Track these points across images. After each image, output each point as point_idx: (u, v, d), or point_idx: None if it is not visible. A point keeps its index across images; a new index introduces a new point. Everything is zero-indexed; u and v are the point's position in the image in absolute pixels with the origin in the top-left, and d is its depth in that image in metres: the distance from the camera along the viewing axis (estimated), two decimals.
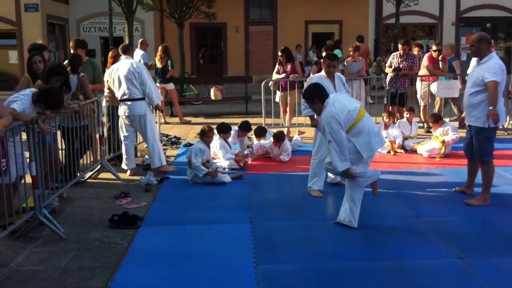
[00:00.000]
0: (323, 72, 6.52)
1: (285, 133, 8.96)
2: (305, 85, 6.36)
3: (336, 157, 5.04)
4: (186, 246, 4.88)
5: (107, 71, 7.51)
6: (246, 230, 5.23)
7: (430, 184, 6.86)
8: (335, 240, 5.00)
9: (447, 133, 8.34)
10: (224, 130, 8.01)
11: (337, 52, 14.62)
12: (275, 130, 8.96)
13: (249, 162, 8.00)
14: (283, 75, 10.08)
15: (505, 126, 10.35)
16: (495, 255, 4.60)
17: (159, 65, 11.94)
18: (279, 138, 8.18)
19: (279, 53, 10.27)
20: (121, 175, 7.28)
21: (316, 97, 5.31)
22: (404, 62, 10.39)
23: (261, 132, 8.69)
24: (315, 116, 6.24)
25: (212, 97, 13.82)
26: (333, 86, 6.36)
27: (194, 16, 18.34)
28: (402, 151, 8.77)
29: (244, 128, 8.38)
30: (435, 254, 4.66)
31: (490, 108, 5.62)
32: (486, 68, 5.73)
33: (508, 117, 10.37)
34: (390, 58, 10.79)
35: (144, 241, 5.02)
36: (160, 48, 12.18)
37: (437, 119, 8.70)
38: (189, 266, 4.44)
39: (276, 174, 7.53)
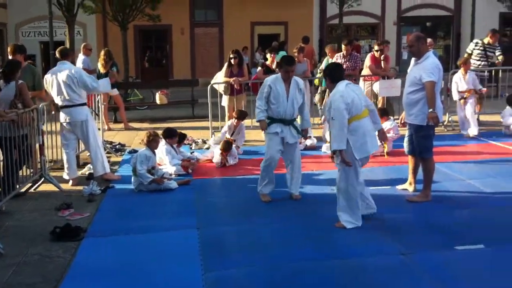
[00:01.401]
0: (279, 75, 6.26)
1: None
2: (260, 87, 6.30)
3: (334, 137, 5.12)
4: (131, 256, 4.78)
5: (45, 77, 7.27)
6: (193, 237, 5.18)
7: (372, 182, 6.92)
8: (283, 243, 5.02)
9: (389, 131, 8.38)
10: (170, 135, 7.90)
11: (282, 53, 14.71)
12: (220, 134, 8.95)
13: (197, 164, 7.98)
14: (233, 79, 9.90)
15: (444, 123, 10.69)
16: (437, 250, 4.73)
17: (102, 70, 11.61)
18: (226, 148, 8.09)
19: (231, 55, 10.01)
20: (63, 186, 7.06)
21: (329, 76, 5.44)
22: (347, 63, 10.57)
23: (242, 115, 9.12)
24: (267, 120, 6.22)
25: (158, 101, 13.61)
26: (285, 90, 6.11)
27: (138, 19, 18.05)
28: None
29: (181, 138, 8.31)
30: (379, 250, 4.76)
31: (430, 110, 5.78)
32: (422, 68, 5.88)
33: (447, 114, 10.72)
34: (334, 59, 10.95)
35: (88, 253, 4.88)
36: (102, 52, 11.81)
37: (382, 114, 8.34)
38: (135, 276, 4.35)
39: (224, 178, 7.50)
